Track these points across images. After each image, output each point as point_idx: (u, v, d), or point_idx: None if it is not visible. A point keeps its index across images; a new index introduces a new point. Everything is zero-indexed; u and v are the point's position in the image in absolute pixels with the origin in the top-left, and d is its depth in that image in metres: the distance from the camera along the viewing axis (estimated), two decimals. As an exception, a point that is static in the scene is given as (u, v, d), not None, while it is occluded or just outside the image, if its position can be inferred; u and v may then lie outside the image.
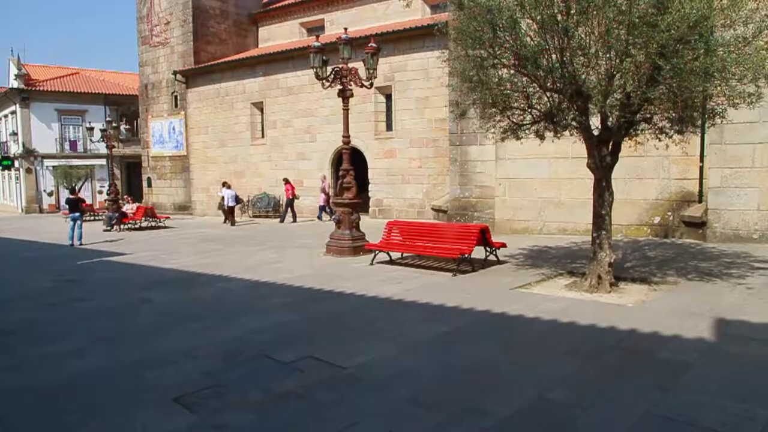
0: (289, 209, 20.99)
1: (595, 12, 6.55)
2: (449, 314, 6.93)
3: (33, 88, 34.18)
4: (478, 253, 9.90)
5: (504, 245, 10.19)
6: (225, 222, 21.19)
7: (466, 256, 9.33)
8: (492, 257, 10.08)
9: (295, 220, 20.80)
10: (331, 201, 19.95)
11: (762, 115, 10.84)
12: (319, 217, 21.07)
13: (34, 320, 7.53)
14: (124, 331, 6.75)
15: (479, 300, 7.41)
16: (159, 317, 7.41)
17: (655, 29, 6.35)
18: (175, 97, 27.62)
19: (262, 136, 24.48)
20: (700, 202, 12.53)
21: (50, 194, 35.19)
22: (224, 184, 21.70)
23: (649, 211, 13.04)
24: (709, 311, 6.50)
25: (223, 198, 21.25)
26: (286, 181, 21.22)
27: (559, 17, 6.62)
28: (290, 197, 20.92)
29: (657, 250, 11.04)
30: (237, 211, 21.79)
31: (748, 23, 6.70)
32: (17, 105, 34.39)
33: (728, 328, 5.92)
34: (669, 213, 12.86)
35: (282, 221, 20.92)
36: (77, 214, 16.17)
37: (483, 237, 9.74)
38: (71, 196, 16.99)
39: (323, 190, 21.07)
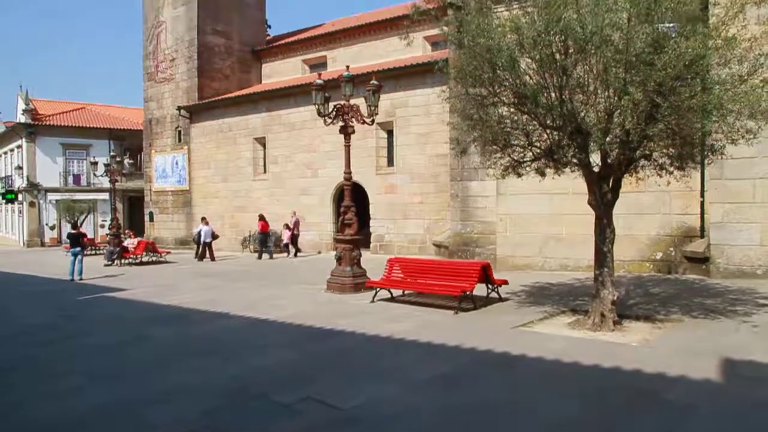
0: (262, 244, 21.27)
1: (593, 51, 6.64)
2: (450, 354, 6.83)
3: (39, 123, 34.63)
4: (480, 290, 9.83)
5: (506, 282, 10.12)
6: (196, 257, 21.37)
7: (468, 293, 9.26)
8: (494, 294, 9.99)
9: (260, 258, 21.04)
10: (295, 239, 21.12)
11: (761, 151, 10.88)
12: (288, 252, 21.35)
13: (34, 356, 7.46)
14: (123, 369, 6.67)
15: (481, 339, 7.31)
16: (158, 354, 7.31)
17: (652, 68, 6.44)
18: (179, 132, 27.91)
19: (264, 172, 24.62)
20: (702, 237, 12.49)
21: (52, 228, 35.26)
22: (203, 220, 22.28)
23: (651, 246, 12.99)
24: (714, 351, 6.40)
25: (199, 233, 21.60)
26: (261, 218, 21.59)
27: (558, 56, 6.72)
28: (263, 232, 21.26)
29: (660, 287, 10.95)
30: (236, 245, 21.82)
31: (742, 62, 6.81)
32: (23, 139, 34.80)
33: (735, 368, 5.81)
34: (671, 248, 12.80)
35: (260, 257, 21.11)
36: (78, 249, 16.15)
37: (485, 274, 9.68)
38: (72, 231, 17.02)
39: (287, 226, 21.38)
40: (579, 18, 6.30)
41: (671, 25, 6.83)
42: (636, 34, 6.48)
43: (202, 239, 21.24)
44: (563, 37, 6.46)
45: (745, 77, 6.78)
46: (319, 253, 21.78)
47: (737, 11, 6.80)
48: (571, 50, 6.71)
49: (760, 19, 7.00)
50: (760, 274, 11.18)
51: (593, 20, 6.35)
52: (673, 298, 9.75)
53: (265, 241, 21.22)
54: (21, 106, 35.31)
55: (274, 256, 21.17)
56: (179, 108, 27.14)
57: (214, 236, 21.62)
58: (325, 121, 11.75)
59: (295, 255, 21.08)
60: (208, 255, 21.13)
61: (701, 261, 12.06)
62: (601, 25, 6.33)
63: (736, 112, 6.69)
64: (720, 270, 11.58)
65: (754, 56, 6.84)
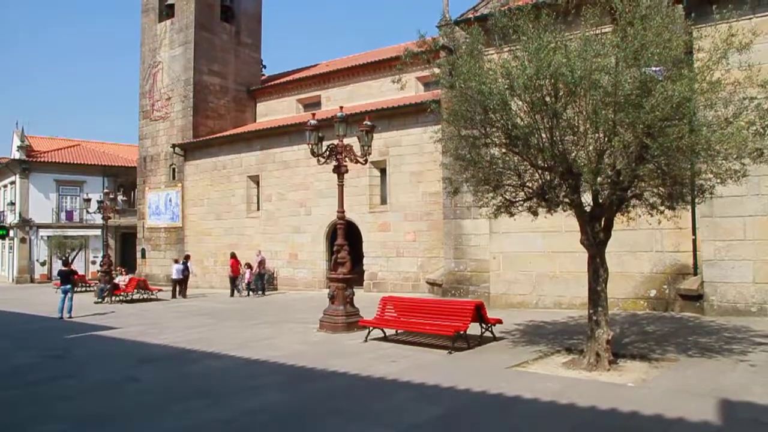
0: (234, 283, 21.63)
1: (582, 93, 6.78)
2: (445, 395, 6.73)
3: (34, 159, 34.70)
4: (474, 329, 9.75)
5: (500, 321, 10.05)
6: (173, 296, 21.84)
7: (462, 333, 9.18)
8: (488, 333, 9.92)
9: (232, 295, 21.41)
10: (261, 278, 21.43)
11: (750, 189, 11.02)
12: (249, 292, 21.49)
13: (15, 400, 7.26)
14: (108, 413, 6.50)
15: (475, 380, 7.22)
16: (146, 397, 7.16)
17: (640, 110, 6.58)
18: (173, 169, 28.01)
19: (258, 209, 24.65)
20: (695, 274, 12.52)
21: (43, 264, 34.93)
22: (175, 261, 22.99)
23: (644, 284, 13.00)
24: (712, 391, 6.34)
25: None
26: (233, 256, 21.98)
27: (548, 99, 6.85)
28: (233, 275, 21.64)
29: (655, 325, 10.91)
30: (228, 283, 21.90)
31: (727, 104, 6.97)
32: (17, 175, 34.79)
33: (734, 410, 5.75)
34: (665, 286, 12.81)
35: (231, 295, 21.45)
36: (68, 286, 15.98)
37: (478, 313, 9.62)
38: (63, 268, 16.86)
39: (248, 266, 21.57)
40: (568, 63, 6.45)
41: (658, 68, 7.00)
42: (624, 77, 6.64)
43: (173, 276, 21.94)
44: (553, 81, 6.60)
45: (731, 119, 6.93)
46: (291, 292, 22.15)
47: (720, 56, 7.00)
48: (561, 93, 6.85)
49: (742, 64, 7.16)
50: (755, 312, 11.17)
51: (582, 64, 6.51)
52: (668, 336, 9.71)
53: (235, 279, 21.63)
54: (16, 142, 35.44)
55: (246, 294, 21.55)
56: (174, 146, 27.32)
57: (184, 274, 22.06)
58: (318, 161, 11.85)
59: (263, 293, 21.34)
60: (179, 292, 21.71)
61: (695, 298, 12.06)
62: (590, 70, 6.49)
63: (724, 153, 6.82)
64: (714, 307, 11.57)
65: (739, 99, 7.02)
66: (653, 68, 6.93)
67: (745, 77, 7.06)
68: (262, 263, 21.64)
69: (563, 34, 7.23)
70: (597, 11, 7.44)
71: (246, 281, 21.52)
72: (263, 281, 21.56)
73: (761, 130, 6.93)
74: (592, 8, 7.39)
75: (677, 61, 7.15)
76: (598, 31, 7.31)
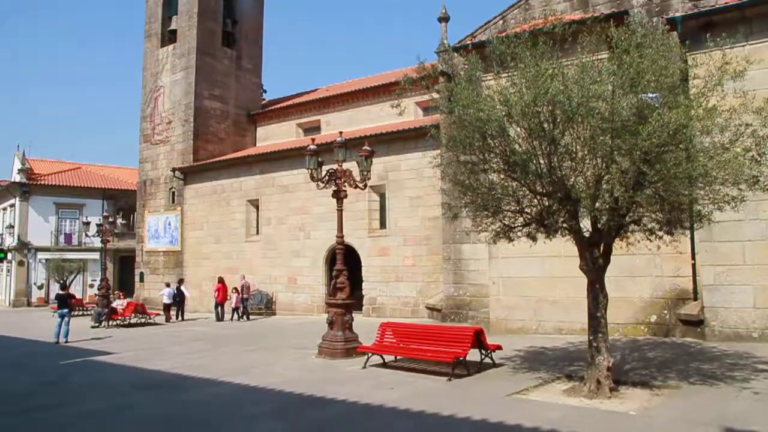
0: (220, 308, 21.56)
1: (580, 120, 6.84)
2: (444, 424, 6.65)
3: (34, 182, 34.77)
4: (474, 355, 9.67)
5: (499, 347, 9.97)
6: (177, 319, 22.08)
7: (461, 359, 9.10)
8: (488, 360, 9.83)
9: (220, 320, 21.32)
10: (245, 303, 21.55)
11: (748, 214, 11.02)
12: (232, 318, 21.46)
13: (9, 427, 7.16)
14: (102, 443, 6.40)
15: (475, 408, 7.13)
16: (143, 427, 7.06)
17: (637, 136, 6.62)
18: (173, 193, 28.06)
19: (257, 233, 24.62)
20: (695, 299, 12.46)
21: (40, 287, 34.75)
22: (166, 285, 23.04)
23: (645, 309, 12.93)
24: (716, 420, 6.26)
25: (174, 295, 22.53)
26: (220, 281, 21.97)
27: (546, 126, 6.90)
28: (220, 300, 21.56)
29: (656, 351, 10.83)
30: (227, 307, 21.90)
31: (724, 131, 7.02)
32: (17, 198, 34.82)
33: (736, 439, 5.67)
34: (665, 311, 12.74)
35: (219, 319, 21.38)
36: (66, 310, 15.89)
37: (478, 339, 9.55)
38: (61, 292, 16.80)
39: (236, 290, 21.57)
40: (565, 90, 6.51)
41: (654, 95, 7.07)
42: (621, 104, 6.70)
43: (163, 300, 22.14)
44: (551, 108, 6.65)
45: (728, 146, 6.98)
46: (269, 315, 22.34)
47: (715, 84, 7.08)
48: (558, 120, 6.90)
49: (737, 91, 7.24)
50: (756, 338, 11.09)
51: (579, 92, 6.57)
52: (669, 362, 9.62)
53: (221, 305, 21.62)
54: (17, 165, 35.56)
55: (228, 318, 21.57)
56: (174, 169, 27.41)
57: (174, 299, 22.19)
58: (318, 186, 11.88)
59: (248, 318, 21.41)
60: (176, 316, 21.89)
61: (696, 324, 11.99)
62: (587, 97, 6.55)
63: (721, 180, 6.85)
64: (715, 333, 11.49)
65: (735, 125, 7.07)
66: (650, 95, 7.00)
67: (741, 104, 7.13)
68: (246, 288, 21.75)
69: (560, 61, 7.31)
70: (593, 39, 7.54)
71: (233, 305, 21.44)
72: (246, 306, 21.71)
73: (757, 156, 6.99)
74: (589, 36, 7.49)
75: (673, 87, 7.23)
76: (594, 58, 7.40)
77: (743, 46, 11.33)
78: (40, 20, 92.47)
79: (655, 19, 13.79)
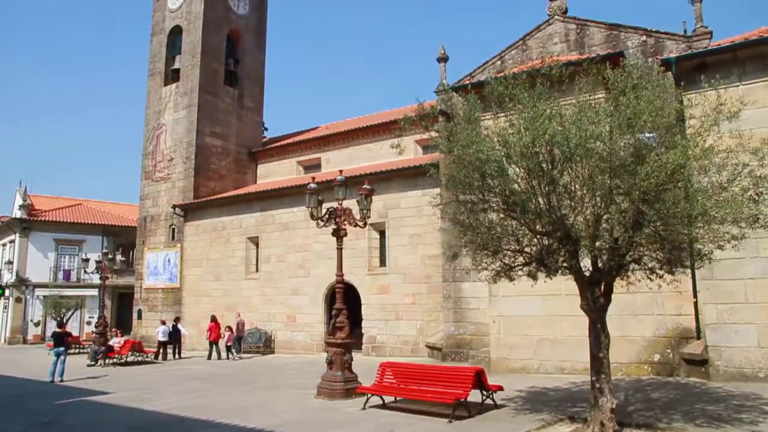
0: (214, 347, 21.37)
1: (578, 159, 6.90)
2: (446, 468, 6.48)
3: (34, 219, 34.82)
4: (475, 395, 9.51)
5: (501, 388, 9.83)
6: (173, 357, 21.95)
7: (462, 400, 8.95)
8: (489, 401, 9.67)
9: (215, 358, 21.11)
10: (239, 341, 21.44)
11: (748, 252, 11.01)
12: (228, 357, 21.23)
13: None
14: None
15: (477, 451, 6.98)
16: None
17: (636, 176, 6.67)
18: (173, 230, 28.08)
19: (257, 271, 24.53)
20: (698, 338, 12.33)
21: (37, 324, 34.41)
22: (162, 322, 22.90)
23: (647, 348, 12.79)
24: (721, 465, 6.11)
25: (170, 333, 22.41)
26: (213, 319, 21.84)
27: (545, 165, 6.95)
28: (213, 339, 21.40)
29: (660, 391, 10.66)
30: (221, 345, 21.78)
31: (721, 170, 7.07)
32: (17, 234, 34.82)
33: (744, 486, 5.53)
34: (668, 350, 12.60)
35: (209, 358, 21.18)
36: (62, 348, 15.71)
37: (479, 380, 9.42)
38: (58, 330, 16.63)
39: (229, 328, 21.42)
40: (564, 131, 6.59)
41: (651, 135, 7.15)
42: (618, 144, 6.77)
43: (158, 338, 21.94)
44: (549, 148, 6.72)
45: (726, 185, 7.02)
46: (263, 354, 22.20)
47: (711, 124, 7.17)
48: (557, 160, 6.96)
49: (732, 131, 7.34)
50: (762, 378, 10.93)
51: (577, 132, 6.65)
52: (674, 403, 9.46)
53: (214, 343, 21.45)
54: (18, 201, 35.69)
55: (228, 356, 21.31)
56: (174, 206, 27.49)
57: (170, 336, 22.05)
58: (318, 224, 11.90)
59: (240, 357, 21.23)
60: (172, 353, 21.73)
61: (700, 363, 11.83)
62: (585, 137, 6.62)
63: (720, 218, 6.86)
64: (720, 373, 11.33)
65: (732, 165, 7.13)
66: (647, 135, 7.08)
67: (737, 144, 7.20)
68: (241, 326, 21.66)
69: (558, 101, 7.42)
70: (590, 80, 7.67)
71: (227, 343, 21.23)
72: (240, 344, 21.61)
73: (755, 196, 7.02)
74: (585, 78, 7.63)
75: (670, 127, 7.32)
76: (591, 98, 7.52)
77: (737, 86, 11.51)
78: (42, 56, 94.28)
79: (650, 60, 14.08)
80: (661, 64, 11.76)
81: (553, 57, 11.04)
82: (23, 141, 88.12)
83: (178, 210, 27.45)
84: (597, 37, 15.62)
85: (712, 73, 11.19)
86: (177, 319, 23.47)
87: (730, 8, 76.51)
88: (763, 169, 7.07)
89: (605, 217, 6.96)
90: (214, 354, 21.19)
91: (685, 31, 15.09)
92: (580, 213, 7.13)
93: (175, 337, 22.25)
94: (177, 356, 21.93)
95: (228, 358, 21.08)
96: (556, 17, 16.30)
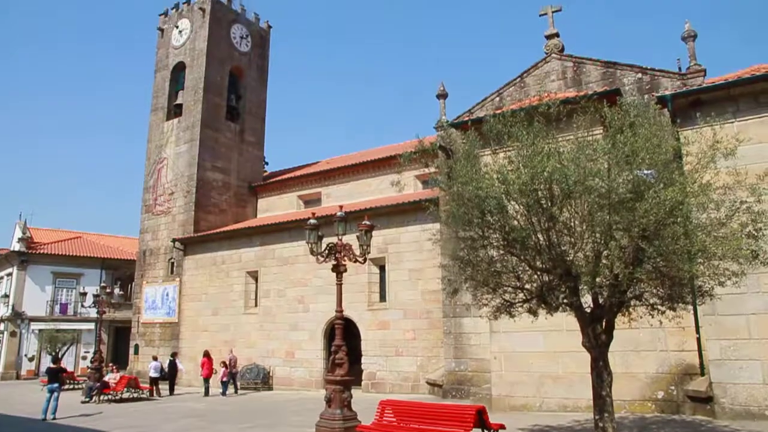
0: (206, 383, 21.19)
1: (577, 195, 6.94)
2: None
3: (33, 252, 34.72)
4: (477, 434, 9.33)
5: (503, 426, 9.63)
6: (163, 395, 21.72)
7: (464, 440, 8.78)
8: (491, 440, 9.47)
9: (207, 394, 20.90)
10: (233, 377, 21.24)
11: (750, 287, 10.95)
12: (223, 393, 20.92)
13: None
14: None
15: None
16: None
17: (634, 213, 6.70)
18: (172, 263, 27.99)
19: (256, 305, 24.35)
20: (702, 374, 12.18)
21: (31, 359, 33.93)
22: (154, 358, 22.93)
23: (651, 385, 12.62)
24: None
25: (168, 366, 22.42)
26: (206, 354, 21.68)
27: (544, 202, 6.99)
28: (205, 375, 21.22)
29: (665, 430, 10.49)
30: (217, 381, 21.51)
31: (719, 207, 7.11)
32: (15, 267, 34.67)
33: None
34: (672, 387, 12.43)
35: (206, 395, 20.93)
36: (56, 385, 15.46)
37: (480, 418, 9.25)
38: (53, 366, 16.39)
39: (224, 364, 21.24)
40: (562, 168, 6.65)
41: (649, 171, 7.21)
42: (617, 181, 6.83)
43: (149, 374, 21.81)
44: (548, 186, 6.77)
45: (724, 221, 7.05)
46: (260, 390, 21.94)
47: (708, 161, 7.24)
48: (556, 196, 7.00)
49: (729, 168, 7.41)
50: (768, 415, 10.75)
51: (576, 170, 6.71)
52: (679, 444, 9.28)
53: (207, 379, 21.23)
54: (18, 234, 35.67)
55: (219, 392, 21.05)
56: (174, 240, 27.47)
57: (162, 372, 21.96)
58: (317, 260, 11.86)
59: (236, 391, 21.12)
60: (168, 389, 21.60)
61: (705, 400, 11.65)
62: (584, 175, 6.68)
63: (720, 255, 6.86)
64: (726, 411, 11.15)
65: (730, 201, 7.17)
66: (645, 171, 7.14)
67: (735, 181, 7.26)
68: (233, 361, 21.42)
69: (556, 138, 7.51)
70: (587, 118, 7.78)
71: (221, 379, 20.95)
72: (235, 380, 21.42)
73: (754, 232, 7.04)
74: (583, 116, 7.74)
75: (667, 163, 7.39)
76: (589, 135, 7.60)
77: (732, 122, 11.66)
78: (46, 107, 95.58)
79: (646, 97, 14.30)
80: (657, 101, 11.93)
81: (550, 94, 11.20)
82: (24, 174, 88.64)
83: (177, 244, 27.42)
84: (593, 75, 15.88)
85: (707, 109, 11.36)
86: (174, 354, 23.22)
87: (723, 46, 78.10)
88: (761, 205, 7.12)
89: (605, 253, 6.97)
90: (212, 390, 20.89)
91: (680, 69, 15.36)
92: (580, 249, 7.13)
93: (171, 373, 21.96)
94: (170, 392, 21.63)
95: (224, 394, 20.75)
96: (552, 55, 16.61)
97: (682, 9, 79.70)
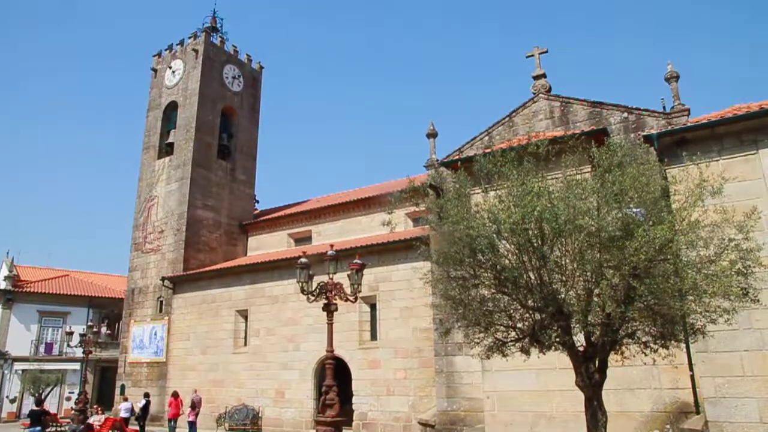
0: (172, 423, 20.64)
1: (568, 233, 6.99)
2: None
3: (19, 290, 34.19)
4: (471, 478, 9.13)
5: (498, 469, 9.45)
6: None
7: (458, 483, 8.58)
8: (486, 483, 9.27)
9: None
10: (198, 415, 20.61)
11: (741, 324, 10.92)
12: None
13: None
14: None
15: None
16: None
17: (624, 251, 6.74)
18: (161, 302, 27.64)
19: (245, 344, 23.99)
20: (698, 413, 12.05)
21: (12, 401, 32.98)
22: (124, 399, 22.71)
23: (646, 424, 12.46)
24: None
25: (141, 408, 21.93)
26: (174, 395, 21.16)
27: (534, 241, 7.03)
28: (171, 416, 20.69)
29: (662, 472, 10.28)
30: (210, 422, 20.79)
31: (708, 244, 7.17)
32: (0, 306, 34.06)
33: None
34: (668, 426, 12.27)
35: None
36: (38, 428, 15.09)
37: (474, 460, 9.07)
38: (35, 408, 16.04)
39: (191, 404, 20.74)
40: (552, 208, 6.72)
41: (638, 209, 7.29)
42: (606, 219, 6.89)
43: (120, 414, 21.24)
44: (539, 224, 6.82)
45: (714, 258, 7.10)
46: None
47: (696, 199, 7.34)
48: (547, 235, 7.05)
49: (717, 206, 7.51)
50: (767, 456, 10.60)
51: (566, 209, 6.78)
52: (676, 486, 9.11)
53: (172, 420, 20.68)
54: (4, 272, 35.17)
55: None
56: (164, 278, 27.20)
57: (133, 412, 21.55)
58: (308, 299, 11.80)
59: None
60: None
61: (702, 441, 11.49)
62: (574, 214, 6.74)
63: (711, 292, 6.89)
64: (723, 450, 10.99)
65: (719, 239, 7.25)
66: (634, 209, 7.22)
67: (723, 219, 7.35)
68: (197, 402, 20.86)
69: (545, 177, 7.60)
70: (576, 158, 7.90)
71: (189, 419, 20.39)
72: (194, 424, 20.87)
73: (743, 269, 7.09)
74: (572, 156, 7.86)
75: (656, 201, 7.48)
76: (577, 173, 7.71)
77: (717, 161, 11.84)
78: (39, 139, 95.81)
79: (632, 135, 14.56)
80: (643, 140, 12.14)
81: (538, 134, 11.42)
82: (12, 210, 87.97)
83: (167, 282, 27.14)
84: (580, 114, 16.18)
85: (692, 148, 11.54)
86: (146, 395, 22.68)
87: (704, 86, 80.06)
88: (749, 242, 7.19)
89: (596, 291, 6.98)
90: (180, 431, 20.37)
91: (664, 108, 15.68)
92: (572, 288, 7.14)
93: (143, 414, 21.57)
94: None
95: None
96: (540, 95, 16.95)
97: (665, 48, 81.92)
